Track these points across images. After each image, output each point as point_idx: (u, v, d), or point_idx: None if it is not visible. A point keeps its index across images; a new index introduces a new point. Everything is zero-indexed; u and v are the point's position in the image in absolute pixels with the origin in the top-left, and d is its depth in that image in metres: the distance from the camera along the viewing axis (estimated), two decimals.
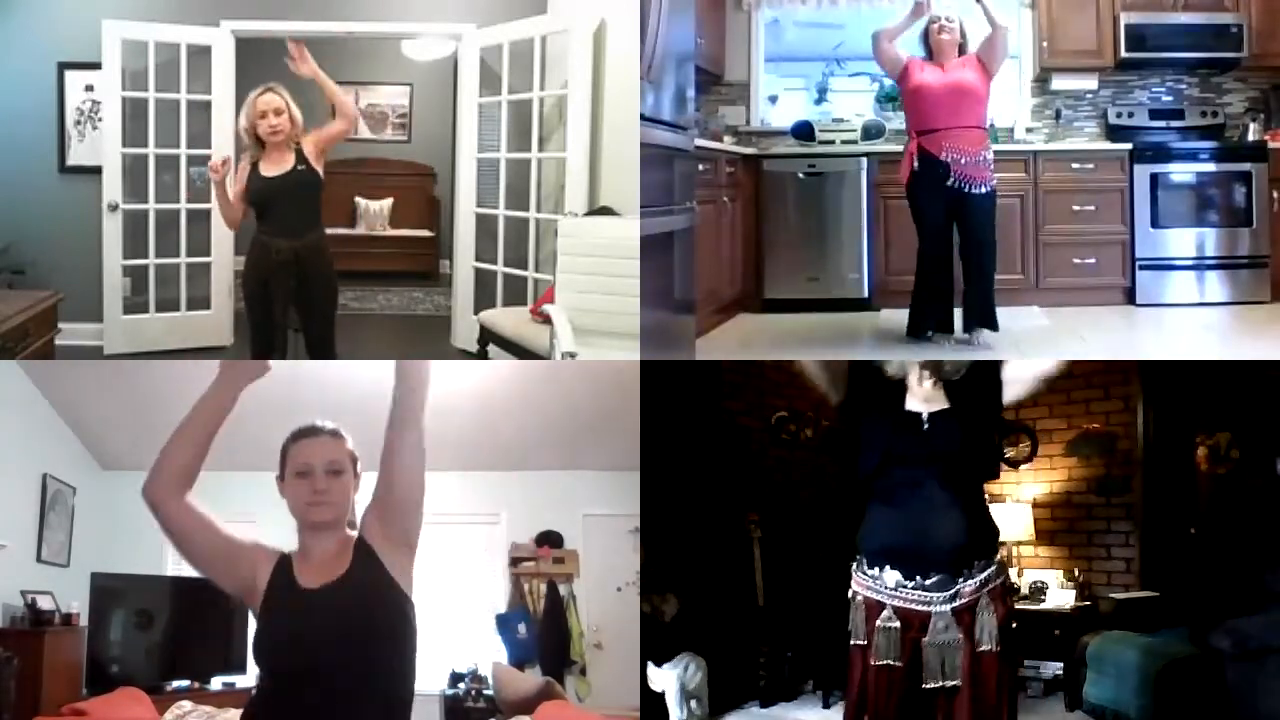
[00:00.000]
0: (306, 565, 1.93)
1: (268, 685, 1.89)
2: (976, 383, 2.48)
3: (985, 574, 2.37)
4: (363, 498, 2.02)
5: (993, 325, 5.00)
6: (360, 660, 1.83)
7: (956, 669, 2.33)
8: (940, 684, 2.34)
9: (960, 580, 2.36)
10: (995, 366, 2.49)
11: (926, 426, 2.43)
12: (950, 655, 2.33)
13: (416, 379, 1.96)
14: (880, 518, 2.44)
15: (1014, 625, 2.40)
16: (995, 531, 2.47)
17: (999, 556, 2.44)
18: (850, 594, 2.48)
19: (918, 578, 2.37)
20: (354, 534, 1.97)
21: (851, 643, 2.45)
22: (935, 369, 2.47)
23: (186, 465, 1.91)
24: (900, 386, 2.49)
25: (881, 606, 2.40)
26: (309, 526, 1.96)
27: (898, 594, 2.39)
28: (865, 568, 2.45)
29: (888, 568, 2.40)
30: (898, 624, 2.37)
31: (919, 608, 2.37)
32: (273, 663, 1.87)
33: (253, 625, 1.92)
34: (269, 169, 4.02)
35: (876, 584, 2.41)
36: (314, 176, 4.07)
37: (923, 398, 2.47)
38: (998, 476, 2.64)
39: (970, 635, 2.34)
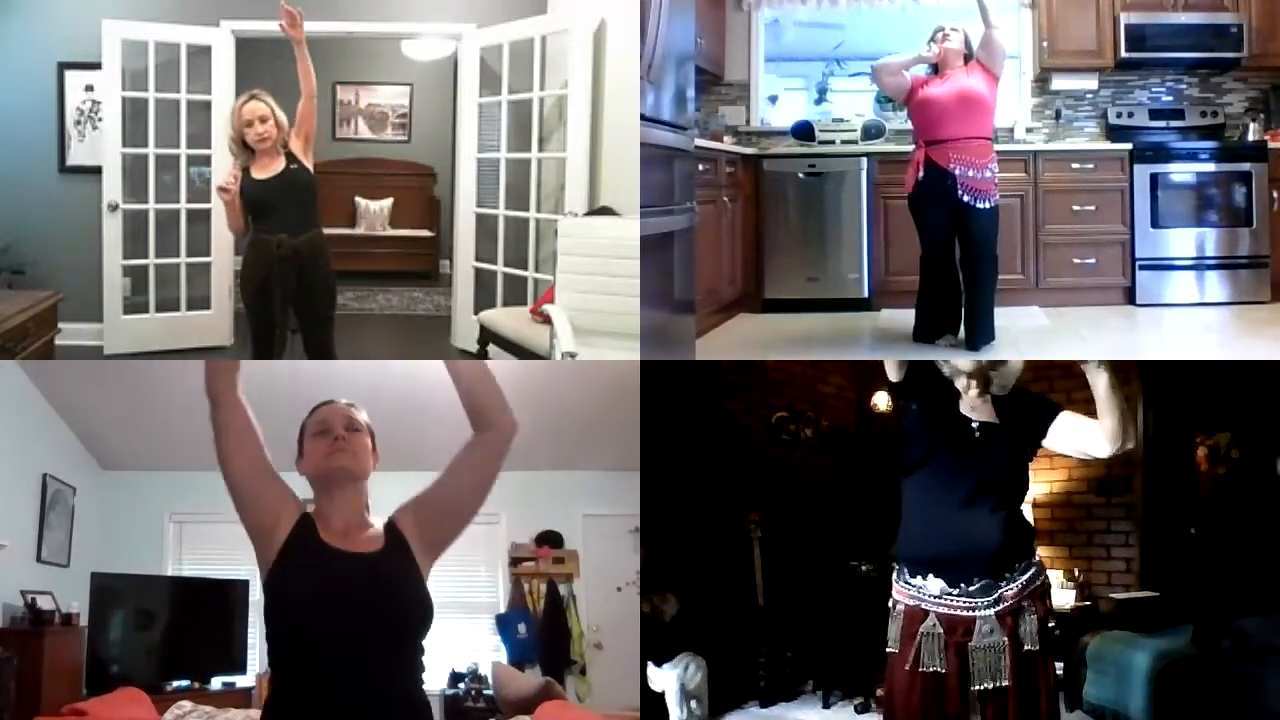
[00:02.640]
0: (327, 529, 1.90)
1: (282, 648, 1.82)
2: (1026, 410, 2.47)
3: (1026, 575, 2.39)
4: (382, 495, 2.02)
5: (988, 339, 4.90)
6: (385, 635, 1.80)
7: (1003, 670, 2.34)
8: (988, 685, 2.35)
9: (1003, 584, 2.37)
10: (1052, 408, 2.46)
11: (978, 435, 2.44)
12: (996, 658, 2.35)
13: (506, 410, 1.96)
14: (918, 526, 2.45)
15: (1051, 625, 2.41)
16: (1031, 532, 2.49)
17: (1038, 558, 2.45)
18: (890, 604, 2.48)
19: (961, 584, 2.38)
20: (373, 517, 1.95)
21: (888, 650, 2.46)
22: (982, 379, 2.48)
23: (237, 369, 1.93)
24: (954, 387, 2.49)
25: (924, 615, 2.40)
26: (330, 478, 1.93)
27: (942, 601, 2.39)
28: (907, 577, 2.45)
29: (930, 576, 2.41)
30: (941, 630, 2.38)
31: (963, 613, 2.37)
32: (294, 616, 1.81)
33: (264, 628, 1.87)
34: (260, 173, 4.03)
35: (920, 592, 2.41)
36: (307, 175, 4.07)
37: (970, 405, 2.48)
38: (1024, 500, 2.64)
39: (1014, 637, 2.36)
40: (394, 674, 1.81)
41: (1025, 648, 2.35)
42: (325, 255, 4.20)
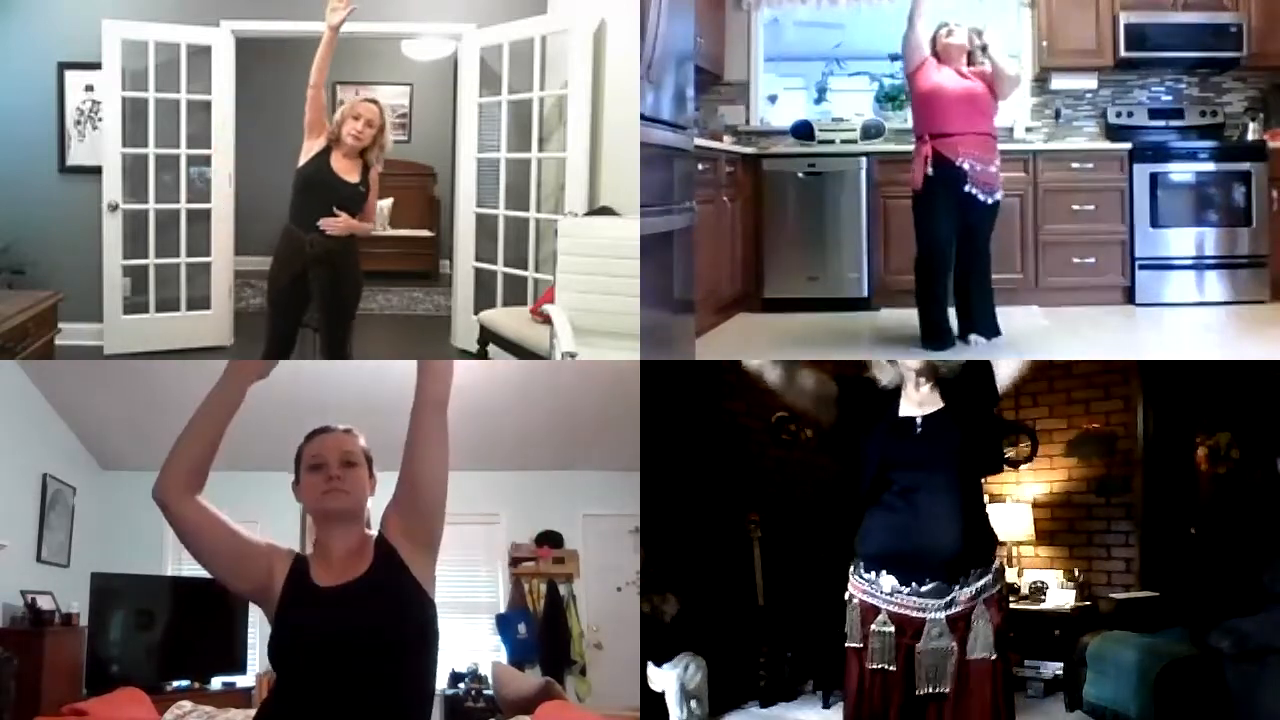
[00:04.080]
0: (324, 564, 1.90)
1: (284, 685, 1.85)
2: (971, 378, 2.47)
3: (981, 582, 2.37)
4: (381, 499, 2.01)
5: (995, 331, 4.94)
6: (381, 660, 1.80)
7: (947, 676, 2.33)
8: (932, 690, 2.34)
9: (955, 588, 2.36)
10: (988, 363, 2.50)
11: (920, 430, 2.43)
12: (942, 662, 2.34)
13: (438, 377, 1.94)
14: (878, 522, 2.43)
15: (1011, 635, 2.40)
16: (994, 539, 2.47)
17: (996, 565, 2.43)
18: (847, 596, 2.48)
19: (913, 584, 2.37)
20: (373, 533, 1.95)
21: (847, 645, 2.45)
22: (932, 371, 2.47)
23: (197, 464, 1.87)
24: (893, 394, 2.48)
25: (877, 611, 2.40)
26: (325, 518, 1.93)
27: (893, 599, 2.39)
28: (862, 571, 2.45)
29: (884, 572, 2.40)
30: (892, 629, 2.37)
31: (913, 614, 2.37)
32: (290, 663, 1.83)
33: (264, 628, 1.89)
34: (339, 167, 4.08)
35: (873, 588, 2.41)
36: (365, 195, 4.14)
37: (918, 402, 2.46)
38: (1001, 470, 2.63)
39: (964, 643, 2.34)
40: (392, 694, 1.81)
41: (975, 655, 2.33)
42: (356, 257, 4.24)
